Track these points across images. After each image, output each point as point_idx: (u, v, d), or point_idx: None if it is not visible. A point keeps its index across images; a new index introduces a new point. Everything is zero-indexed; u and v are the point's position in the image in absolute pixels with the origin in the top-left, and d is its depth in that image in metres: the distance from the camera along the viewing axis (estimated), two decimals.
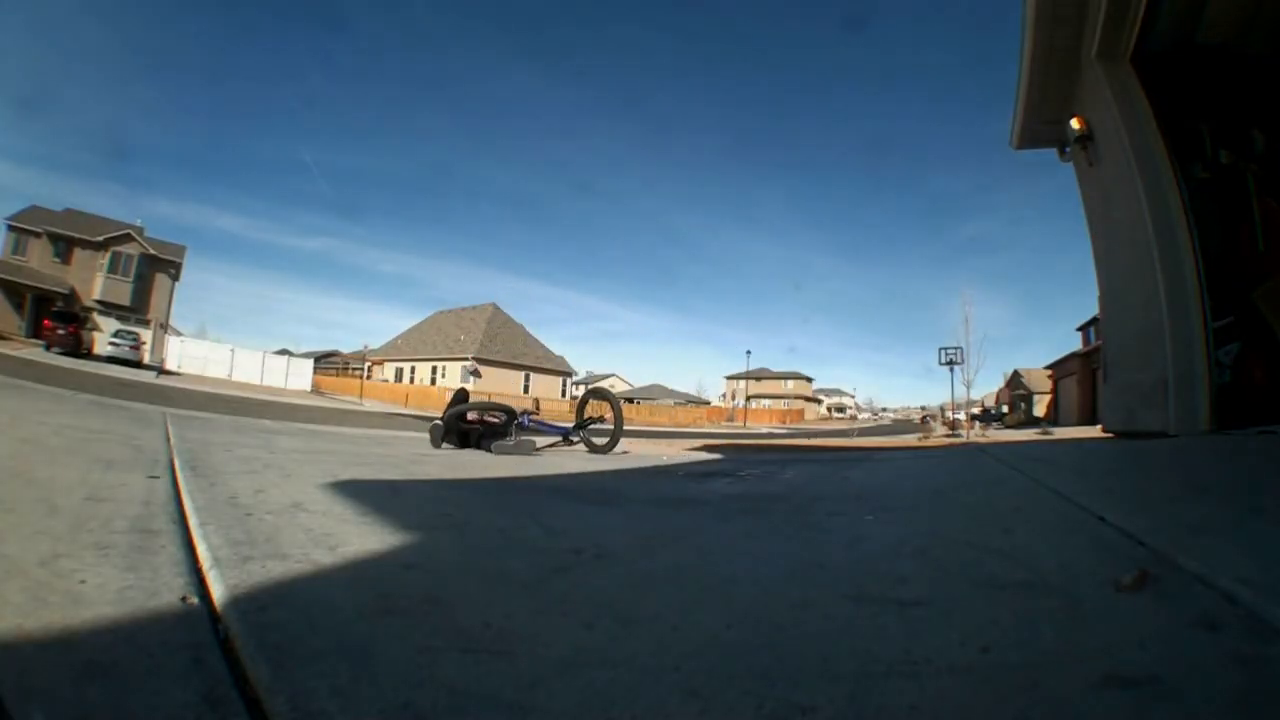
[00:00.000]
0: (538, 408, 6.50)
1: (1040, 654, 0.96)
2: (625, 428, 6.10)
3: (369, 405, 27.15)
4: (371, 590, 1.24)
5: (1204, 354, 5.07)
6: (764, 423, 53.35)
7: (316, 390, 35.52)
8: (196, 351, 32.17)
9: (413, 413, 21.74)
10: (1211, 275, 5.18)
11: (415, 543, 1.65)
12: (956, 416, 28.00)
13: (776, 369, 78.67)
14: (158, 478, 2.11)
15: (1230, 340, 5.19)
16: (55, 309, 28.37)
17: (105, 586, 1.11)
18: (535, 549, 1.68)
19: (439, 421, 5.41)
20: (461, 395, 5.88)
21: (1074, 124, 6.75)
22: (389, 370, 49.14)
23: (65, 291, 31.51)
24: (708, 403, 70.05)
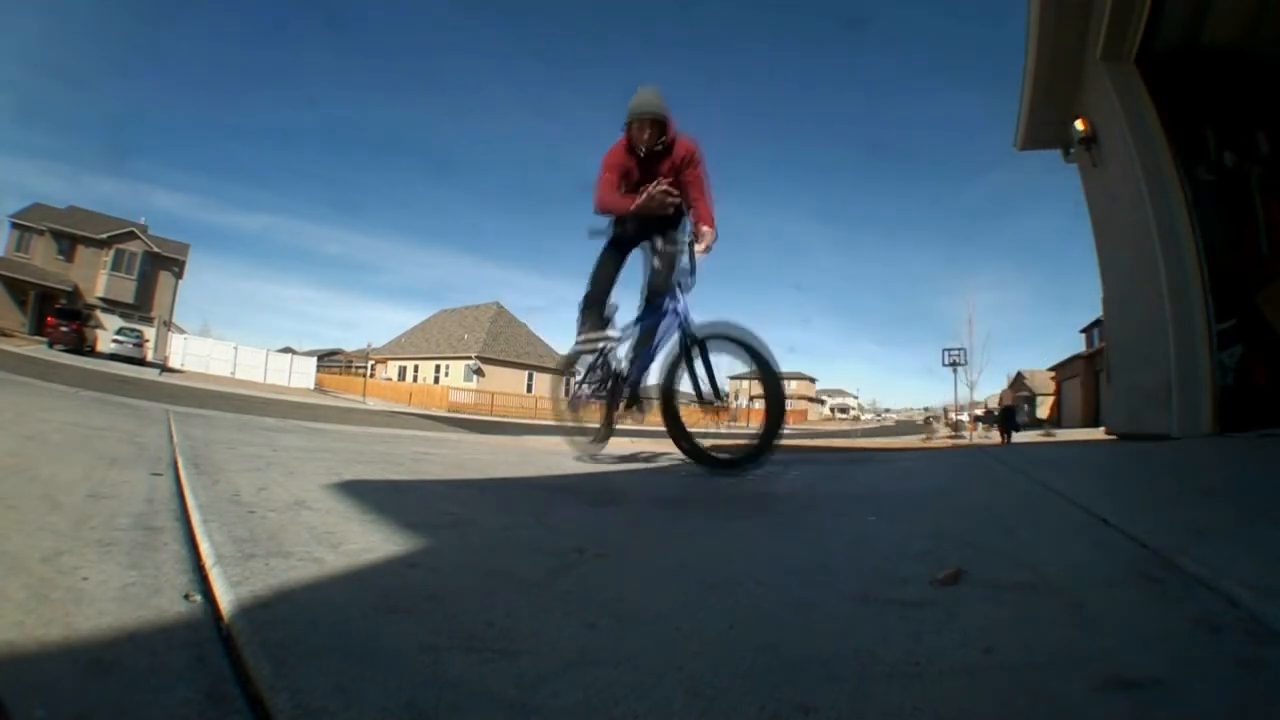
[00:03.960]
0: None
1: (1042, 656, 0.96)
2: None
3: (372, 404, 27.20)
4: (374, 588, 1.24)
5: (1207, 356, 5.08)
6: None
7: (320, 388, 35.60)
8: (200, 349, 32.29)
9: (416, 411, 21.76)
10: (1215, 278, 5.18)
11: (418, 541, 1.65)
12: (959, 418, 27.93)
13: (780, 369, 78.60)
14: (160, 475, 2.11)
15: (1233, 343, 5.19)
16: (58, 306, 28.44)
17: (107, 583, 1.11)
18: (538, 548, 1.68)
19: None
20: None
21: (1078, 125, 6.75)
22: (392, 369, 49.18)
23: (68, 289, 31.61)
24: None
